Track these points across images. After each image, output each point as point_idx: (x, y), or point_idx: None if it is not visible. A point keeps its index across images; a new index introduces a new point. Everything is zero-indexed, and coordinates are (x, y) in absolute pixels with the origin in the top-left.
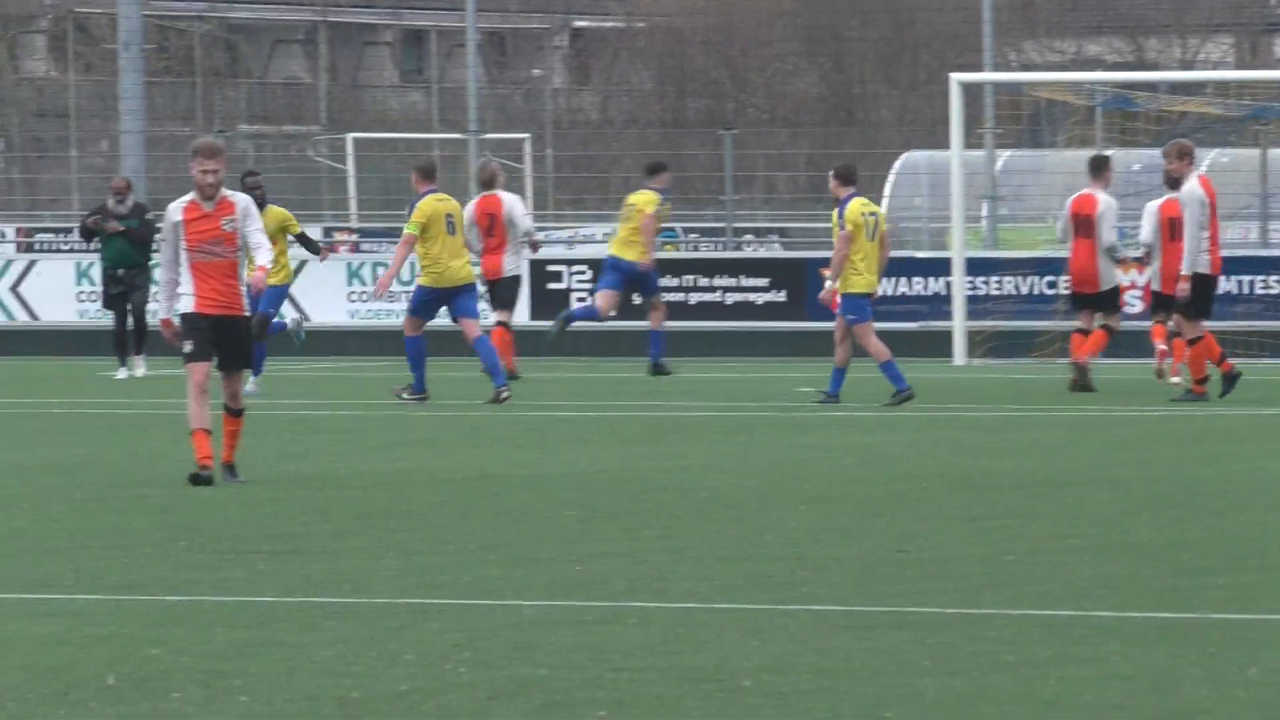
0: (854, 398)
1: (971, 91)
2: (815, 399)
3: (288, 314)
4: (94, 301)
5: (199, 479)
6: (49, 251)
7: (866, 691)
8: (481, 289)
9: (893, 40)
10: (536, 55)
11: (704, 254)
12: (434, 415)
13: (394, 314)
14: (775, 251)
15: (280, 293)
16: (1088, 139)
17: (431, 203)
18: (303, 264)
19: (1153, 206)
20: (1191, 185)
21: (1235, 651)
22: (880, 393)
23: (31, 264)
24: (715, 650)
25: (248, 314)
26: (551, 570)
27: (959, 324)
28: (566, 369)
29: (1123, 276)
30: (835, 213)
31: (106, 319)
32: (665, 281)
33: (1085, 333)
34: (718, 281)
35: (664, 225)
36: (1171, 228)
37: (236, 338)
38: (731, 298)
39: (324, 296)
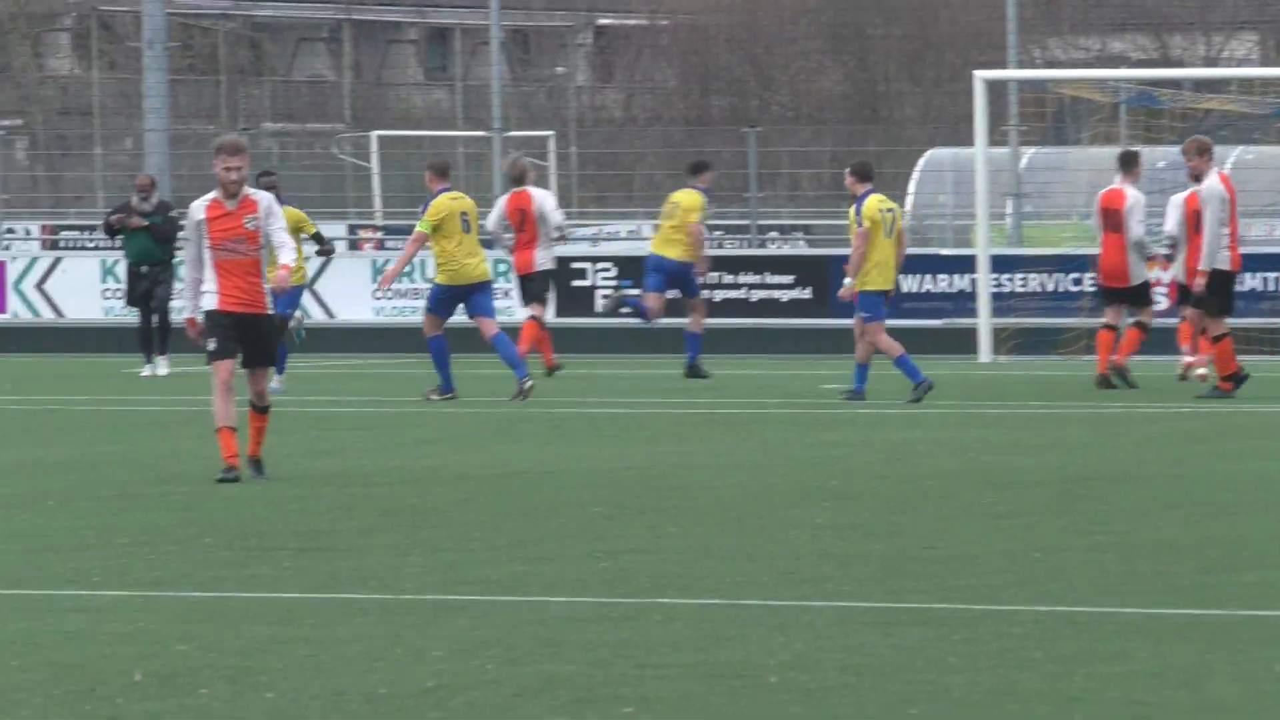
0: (879, 395)
1: (996, 89)
2: (841, 396)
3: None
4: (119, 299)
5: (226, 480)
6: (74, 249)
7: (892, 688)
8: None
9: (917, 37)
10: (560, 53)
11: (728, 251)
12: (460, 412)
13: (419, 311)
14: (800, 249)
15: (297, 293)
16: (1112, 136)
17: (446, 201)
18: (327, 262)
19: (1178, 199)
20: (1212, 181)
21: (1263, 648)
22: (905, 389)
23: (57, 261)
24: (741, 646)
25: (271, 312)
26: (578, 567)
27: (984, 321)
28: (592, 365)
29: (1149, 274)
30: (852, 210)
31: (131, 316)
32: None
33: (1111, 328)
34: (742, 279)
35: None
36: (1196, 220)
37: (260, 335)
38: (756, 295)
39: (349, 294)
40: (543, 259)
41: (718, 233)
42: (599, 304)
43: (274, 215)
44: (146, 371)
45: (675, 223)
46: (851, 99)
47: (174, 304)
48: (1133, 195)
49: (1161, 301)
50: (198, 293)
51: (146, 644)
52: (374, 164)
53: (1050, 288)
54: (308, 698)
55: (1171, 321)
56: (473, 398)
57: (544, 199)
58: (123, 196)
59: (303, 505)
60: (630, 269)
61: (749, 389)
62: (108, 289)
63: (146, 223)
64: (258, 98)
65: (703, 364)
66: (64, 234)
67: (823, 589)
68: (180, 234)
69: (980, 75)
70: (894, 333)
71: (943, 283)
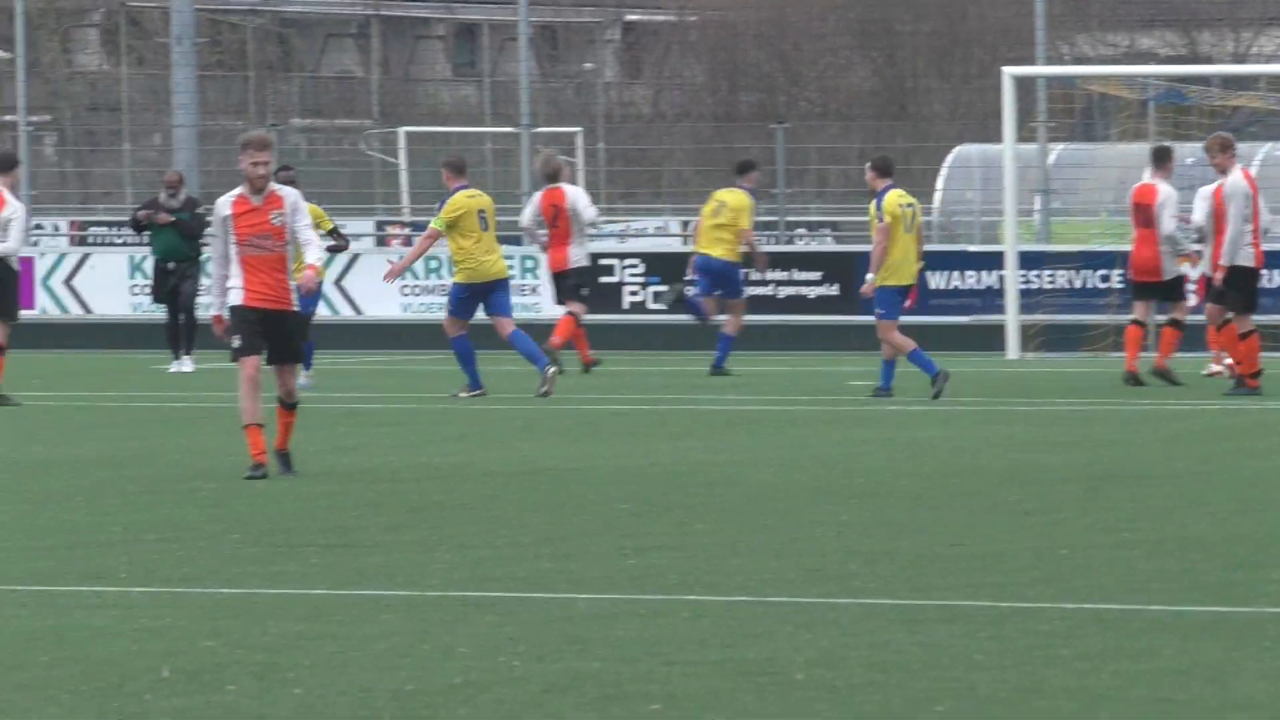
0: (906, 392)
1: (1024, 85)
2: (868, 393)
3: None
4: (146, 295)
5: (254, 477)
6: (102, 245)
7: (919, 685)
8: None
9: (945, 34)
10: (588, 49)
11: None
12: (487, 409)
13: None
14: (827, 245)
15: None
16: (1140, 133)
17: (463, 198)
18: (356, 256)
19: (1206, 190)
20: (1235, 177)
21: None
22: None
23: (85, 257)
24: (768, 643)
25: (297, 308)
26: (604, 564)
27: (1012, 318)
28: (618, 362)
29: (1181, 269)
30: (873, 205)
31: (159, 312)
32: None
33: (1140, 324)
34: (770, 275)
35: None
36: (1222, 214)
37: (285, 332)
38: (784, 291)
39: (376, 290)
40: (577, 256)
41: None
42: (653, 299)
43: (300, 212)
44: (174, 368)
45: (721, 221)
46: (880, 95)
47: (201, 300)
48: (1165, 190)
49: (1191, 300)
50: (224, 289)
51: (174, 640)
52: (402, 160)
53: (1078, 284)
54: (335, 694)
55: (1201, 318)
56: (499, 394)
57: (577, 196)
58: (151, 192)
59: (330, 502)
60: (657, 265)
61: (776, 386)
62: (135, 285)
63: (173, 218)
64: (286, 93)
65: (728, 366)
66: (92, 230)
67: (849, 586)
68: (207, 230)
69: (1008, 71)
70: (922, 329)
71: (970, 279)
